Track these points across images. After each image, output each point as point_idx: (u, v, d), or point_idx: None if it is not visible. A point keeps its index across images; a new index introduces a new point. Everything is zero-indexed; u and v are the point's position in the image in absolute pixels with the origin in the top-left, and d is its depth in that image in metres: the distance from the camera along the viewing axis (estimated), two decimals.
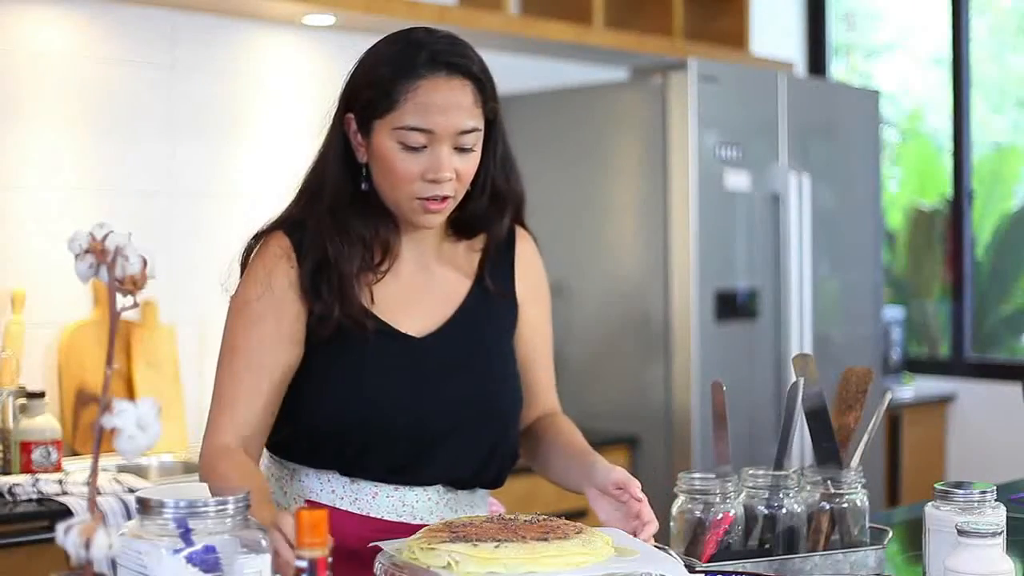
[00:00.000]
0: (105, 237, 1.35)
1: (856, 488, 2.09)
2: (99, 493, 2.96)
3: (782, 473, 2.07)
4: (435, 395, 2.08)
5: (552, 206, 4.39)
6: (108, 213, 3.69)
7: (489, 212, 2.16)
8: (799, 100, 4.49)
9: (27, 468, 3.21)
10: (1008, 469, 4.28)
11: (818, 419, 2.10)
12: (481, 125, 2.05)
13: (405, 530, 2.06)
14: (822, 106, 4.66)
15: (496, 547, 1.67)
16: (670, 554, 1.82)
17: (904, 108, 6.40)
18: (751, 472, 2.09)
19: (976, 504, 1.93)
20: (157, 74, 3.85)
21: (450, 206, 2.06)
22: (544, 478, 2.26)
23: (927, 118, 6.36)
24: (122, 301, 1.35)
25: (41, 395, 3.31)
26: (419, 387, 2.07)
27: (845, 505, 2.08)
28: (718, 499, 2.02)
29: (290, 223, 2.12)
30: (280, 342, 2.07)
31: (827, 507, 2.08)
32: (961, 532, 1.79)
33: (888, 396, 2.18)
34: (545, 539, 1.70)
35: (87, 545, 1.26)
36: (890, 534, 2.10)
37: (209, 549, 1.47)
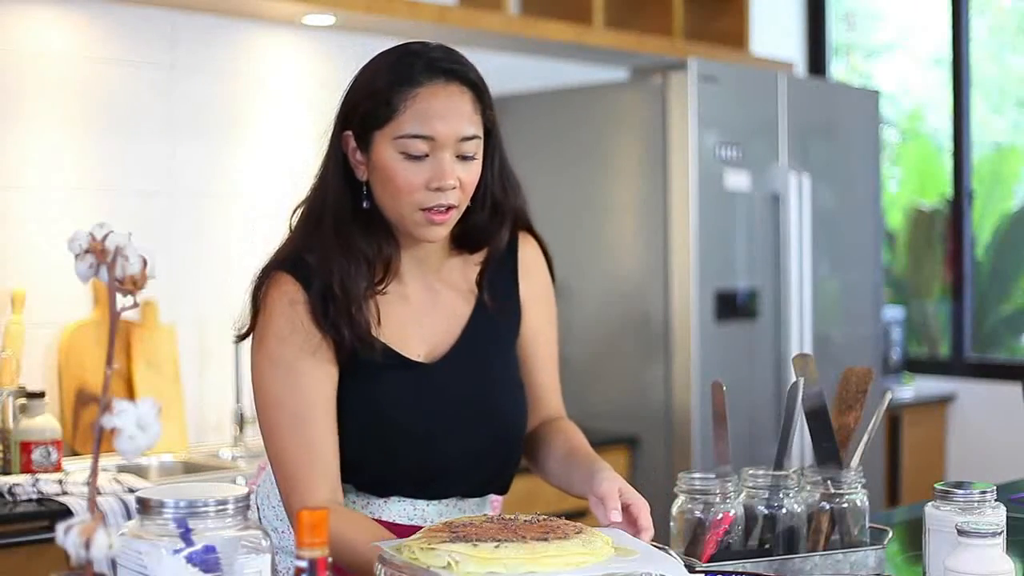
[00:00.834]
0: (105, 237, 1.35)
1: (856, 488, 2.09)
2: (99, 493, 2.96)
3: (782, 473, 2.07)
4: (447, 420, 2.08)
5: (552, 206, 4.39)
6: (108, 213, 3.69)
7: (490, 225, 2.15)
8: (799, 100, 4.49)
9: (27, 468, 3.21)
10: (1008, 469, 4.28)
11: (818, 419, 2.10)
12: (481, 132, 2.04)
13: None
14: (822, 106, 4.66)
15: (496, 547, 1.66)
16: (670, 554, 1.81)
17: (904, 108, 6.41)
18: (751, 472, 2.09)
19: (976, 504, 1.93)
20: (157, 74, 3.86)
21: (454, 217, 2.03)
22: (546, 483, 2.25)
23: (927, 118, 6.36)
24: (122, 301, 1.35)
25: (41, 395, 3.31)
26: (432, 414, 2.07)
27: (845, 505, 2.08)
28: (718, 499, 2.02)
29: (293, 260, 2.06)
30: (318, 370, 2.02)
31: (827, 507, 2.08)
32: (961, 532, 1.79)
33: (888, 396, 2.18)
34: (545, 539, 1.69)
35: (87, 545, 1.26)
36: (890, 534, 2.10)
37: (209, 549, 1.47)
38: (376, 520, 2.06)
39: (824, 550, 2.06)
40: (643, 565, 1.71)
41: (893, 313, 5.63)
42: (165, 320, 3.80)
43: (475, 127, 2.02)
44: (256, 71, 4.08)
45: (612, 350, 4.32)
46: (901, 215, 6.23)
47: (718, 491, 2.02)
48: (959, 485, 1.96)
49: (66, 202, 3.66)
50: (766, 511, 2.06)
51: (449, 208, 2.00)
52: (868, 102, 4.89)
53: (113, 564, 1.45)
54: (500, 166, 2.13)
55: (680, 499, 2.05)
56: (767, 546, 2.05)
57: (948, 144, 5.70)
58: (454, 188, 1.99)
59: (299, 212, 2.12)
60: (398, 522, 2.08)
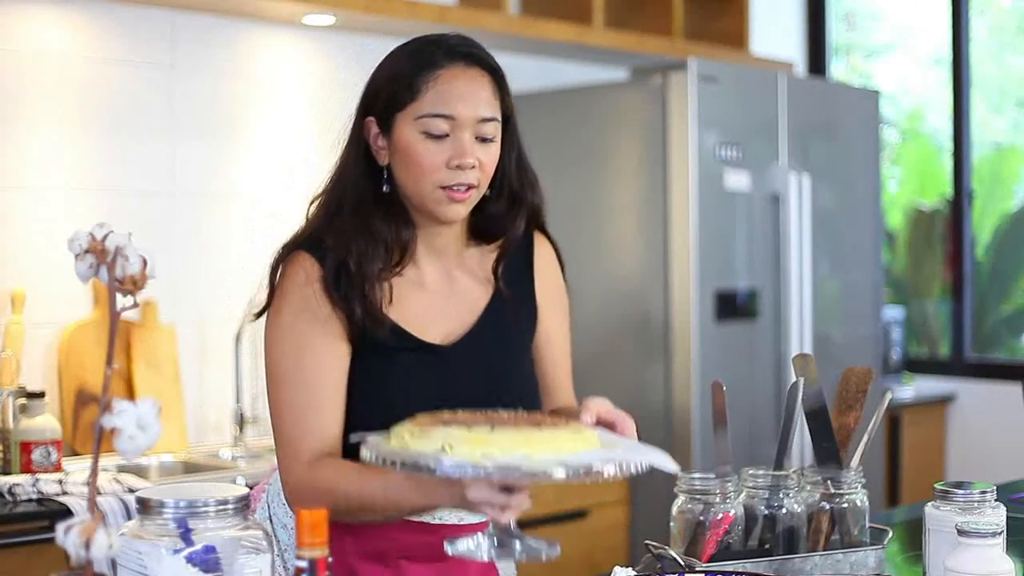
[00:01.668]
0: (105, 237, 1.35)
1: (856, 488, 2.09)
2: (99, 493, 2.96)
3: (782, 473, 2.07)
4: (460, 403, 2.06)
5: (552, 206, 4.34)
6: (108, 213, 3.69)
7: (507, 216, 2.19)
8: (799, 100, 4.49)
9: (27, 468, 3.21)
10: (1008, 469, 4.28)
11: (818, 419, 2.10)
12: (499, 116, 2.09)
13: (426, 529, 2.09)
14: (822, 106, 4.66)
15: (491, 431, 1.69)
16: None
17: (904, 108, 6.40)
18: (751, 472, 2.09)
19: (976, 504, 1.93)
20: (157, 74, 3.86)
21: (474, 197, 2.08)
22: None
23: (927, 118, 6.36)
24: (122, 301, 1.35)
25: (41, 395, 3.31)
26: (444, 395, 2.06)
27: (845, 505, 2.08)
28: (718, 499, 2.02)
29: (312, 240, 2.10)
30: (328, 345, 2.06)
31: (827, 507, 2.08)
32: (961, 532, 1.79)
33: (888, 396, 2.18)
34: (538, 427, 1.72)
35: (87, 545, 1.26)
36: (890, 534, 2.10)
37: (209, 549, 1.47)
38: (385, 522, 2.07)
39: (824, 550, 2.06)
40: (632, 454, 1.73)
41: (893, 313, 5.63)
42: (165, 320, 3.80)
43: (494, 110, 2.08)
44: (256, 71, 4.08)
45: (612, 350, 4.32)
46: (901, 215, 6.23)
47: (718, 491, 2.02)
48: (959, 485, 1.96)
49: (66, 202, 3.66)
50: (766, 511, 2.06)
51: (469, 188, 2.06)
52: (868, 102, 4.89)
53: (113, 564, 1.45)
54: (519, 158, 2.18)
55: (680, 499, 2.05)
56: (767, 546, 2.06)
57: (948, 144, 5.70)
58: (473, 167, 2.04)
59: (317, 201, 2.16)
60: (407, 516, 2.08)
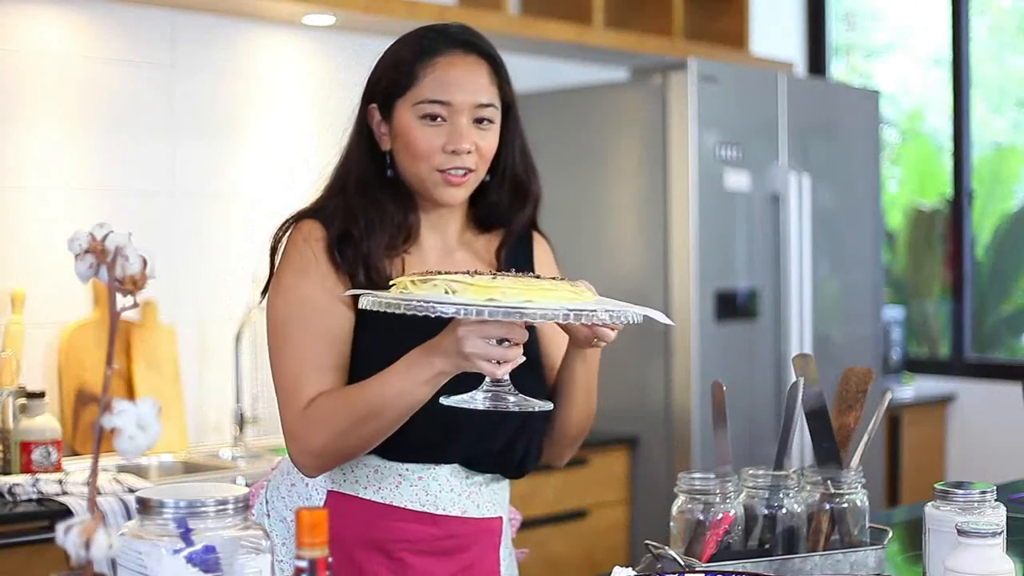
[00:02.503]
0: (105, 237, 1.35)
1: (856, 488, 2.09)
2: (99, 493, 2.96)
3: (782, 473, 2.07)
4: (461, 380, 2.08)
5: (552, 206, 4.35)
6: (108, 213, 3.69)
7: (510, 205, 2.22)
8: (799, 100, 4.49)
9: (27, 468, 3.21)
10: (1008, 469, 4.28)
11: (818, 419, 2.10)
12: (498, 103, 2.13)
13: (429, 520, 2.10)
14: (822, 106, 4.66)
15: (493, 278, 1.73)
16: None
17: (904, 108, 6.41)
18: (751, 472, 2.09)
19: (976, 504, 1.93)
20: (157, 74, 3.86)
21: (472, 181, 2.12)
22: (566, 403, 2.21)
23: (927, 118, 6.36)
24: (122, 301, 1.35)
25: (41, 395, 3.31)
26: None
27: (845, 505, 2.08)
28: (718, 499, 2.02)
29: (315, 209, 2.16)
30: (332, 307, 2.08)
31: (827, 507, 2.08)
32: (961, 532, 1.79)
33: (888, 396, 2.18)
34: (538, 278, 1.77)
35: (87, 545, 1.26)
36: (890, 534, 2.10)
37: (209, 549, 1.47)
38: (388, 506, 2.08)
39: (824, 550, 2.06)
40: (628, 308, 1.80)
41: (893, 313, 5.63)
42: (165, 320, 3.80)
43: (491, 96, 2.12)
44: (256, 71, 4.08)
45: (612, 349, 4.29)
46: (901, 215, 6.24)
47: (718, 491, 2.02)
48: (959, 485, 1.96)
49: (66, 202, 3.66)
50: (766, 511, 2.06)
51: (467, 172, 2.10)
52: (868, 102, 4.89)
53: (113, 564, 1.45)
54: (522, 147, 2.22)
55: (680, 499, 2.05)
56: (767, 546, 2.06)
57: (948, 144, 5.70)
58: (470, 152, 2.09)
59: (322, 184, 2.21)
60: (410, 507, 2.10)
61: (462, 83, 2.09)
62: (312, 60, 4.20)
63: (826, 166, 4.59)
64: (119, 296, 1.35)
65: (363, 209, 2.11)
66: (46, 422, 3.28)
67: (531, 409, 1.89)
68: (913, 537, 2.35)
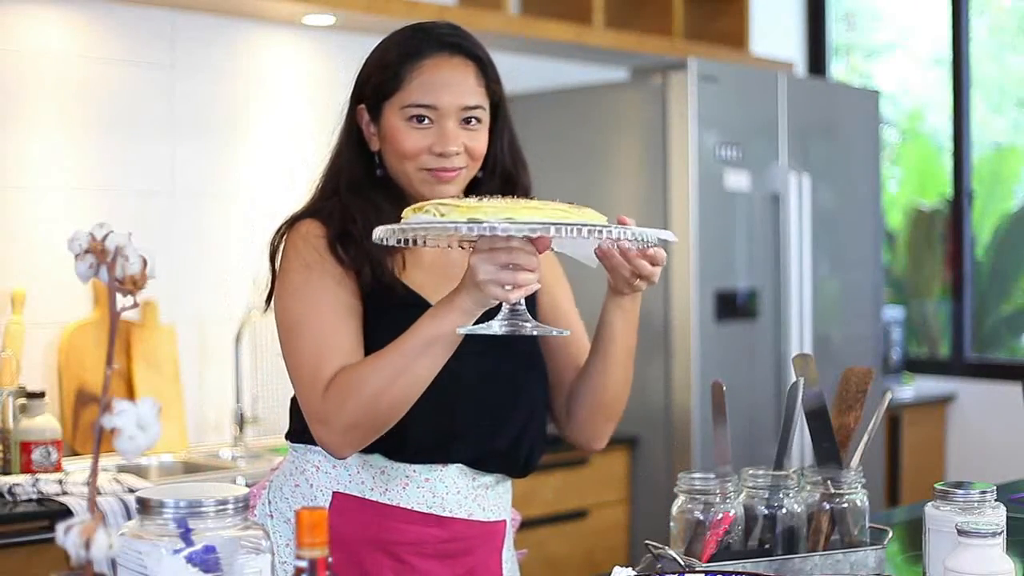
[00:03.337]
0: (105, 237, 1.35)
1: (856, 488, 2.09)
2: (99, 493, 2.96)
3: (782, 473, 2.07)
4: (467, 372, 2.08)
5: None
6: (108, 213, 3.69)
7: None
8: (799, 100, 4.49)
9: (27, 468, 3.21)
10: (1008, 469, 4.28)
11: (818, 419, 2.10)
12: (485, 104, 2.14)
13: (435, 522, 2.10)
14: (822, 106, 4.66)
15: (479, 200, 1.75)
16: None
17: (904, 108, 6.40)
18: (751, 472, 2.09)
19: (976, 504, 1.93)
20: (157, 74, 3.86)
21: (462, 177, 2.12)
22: (605, 366, 2.22)
23: (927, 118, 6.36)
24: (122, 301, 1.35)
25: (41, 395, 3.31)
26: (452, 368, 2.03)
27: (845, 505, 2.08)
28: (718, 499, 2.02)
29: (311, 211, 2.16)
30: (343, 294, 2.07)
31: (827, 507, 2.08)
32: (961, 532, 1.79)
33: (888, 396, 2.18)
34: (531, 199, 1.82)
35: (87, 545, 1.26)
36: (890, 534, 2.10)
37: (209, 549, 1.47)
38: (395, 507, 2.08)
39: (824, 550, 2.06)
40: (642, 231, 1.86)
41: (893, 313, 5.63)
42: (165, 320, 3.80)
43: (478, 98, 2.13)
44: (256, 71, 4.08)
45: None
46: (901, 215, 6.23)
47: (718, 491, 2.02)
48: (959, 485, 1.96)
49: (66, 202, 3.66)
50: (766, 511, 2.06)
51: (456, 170, 2.10)
52: (868, 102, 4.89)
53: (113, 564, 1.45)
54: (511, 141, 2.22)
55: (680, 499, 2.05)
56: (767, 546, 2.05)
57: (948, 144, 5.70)
58: (458, 154, 2.09)
59: (314, 186, 2.21)
60: (417, 509, 2.09)
61: (448, 86, 2.10)
62: (312, 60, 4.20)
63: (826, 166, 4.59)
64: (119, 296, 1.35)
65: (359, 209, 2.11)
66: (46, 422, 3.28)
67: (550, 334, 1.91)
68: (913, 537, 2.35)
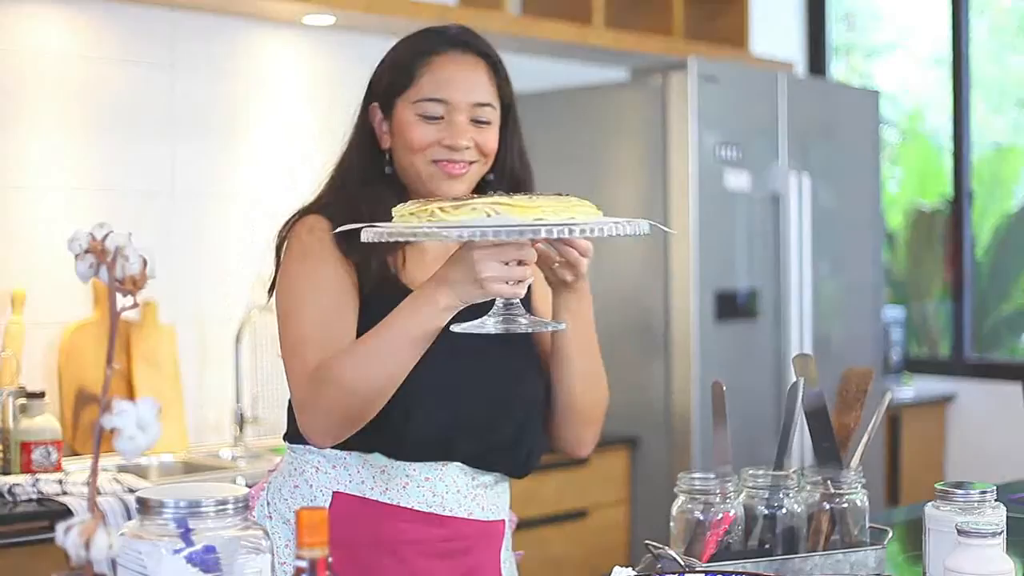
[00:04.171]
0: (105, 237, 1.35)
1: (856, 488, 2.09)
2: (99, 493, 2.96)
3: (782, 473, 2.07)
4: (464, 360, 2.07)
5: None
6: (108, 213, 3.69)
7: None
8: (799, 100, 4.49)
9: (27, 468, 3.21)
10: (1008, 469, 4.28)
11: (818, 419, 2.10)
12: (496, 104, 2.15)
13: (435, 521, 2.10)
14: (822, 106, 4.66)
15: (531, 198, 1.71)
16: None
17: (904, 108, 6.41)
18: (751, 472, 2.09)
19: (976, 504, 1.93)
20: (157, 74, 3.86)
21: (472, 173, 2.12)
22: (565, 369, 2.18)
23: (927, 118, 6.36)
24: (122, 301, 1.35)
25: (41, 395, 3.31)
26: (450, 352, 2.02)
27: (845, 505, 2.08)
28: (718, 499, 2.02)
29: (318, 206, 2.17)
30: (341, 284, 2.08)
31: (827, 507, 2.08)
32: (961, 532, 1.79)
33: (888, 396, 2.18)
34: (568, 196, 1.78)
35: (87, 545, 1.26)
36: (890, 534, 2.10)
37: (209, 549, 1.47)
38: (395, 507, 2.08)
39: (824, 550, 2.06)
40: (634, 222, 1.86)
41: (893, 313, 5.63)
42: (165, 320, 3.79)
43: (490, 96, 2.14)
44: (256, 71, 4.07)
45: (612, 350, 4.30)
46: (901, 215, 6.24)
47: (718, 491, 2.02)
48: (959, 485, 1.96)
49: (66, 202, 3.66)
50: (766, 511, 2.06)
51: (466, 164, 2.10)
52: (868, 102, 4.89)
53: (113, 564, 1.45)
54: (520, 148, 2.23)
55: (680, 499, 2.05)
56: (767, 546, 2.06)
57: (948, 144, 5.70)
58: (468, 148, 2.10)
59: (323, 181, 2.21)
60: (417, 508, 2.09)
61: (460, 82, 2.11)
62: (312, 60, 4.20)
63: (826, 166, 4.59)
64: (119, 296, 1.35)
65: (366, 203, 2.10)
66: (46, 422, 3.28)
67: (545, 329, 1.92)
68: (913, 537, 2.35)
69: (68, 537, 1.27)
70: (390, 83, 2.15)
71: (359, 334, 2.06)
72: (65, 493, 3.05)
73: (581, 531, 4.06)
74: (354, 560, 2.09)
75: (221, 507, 1.51)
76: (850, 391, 2.18)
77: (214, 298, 3.95)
